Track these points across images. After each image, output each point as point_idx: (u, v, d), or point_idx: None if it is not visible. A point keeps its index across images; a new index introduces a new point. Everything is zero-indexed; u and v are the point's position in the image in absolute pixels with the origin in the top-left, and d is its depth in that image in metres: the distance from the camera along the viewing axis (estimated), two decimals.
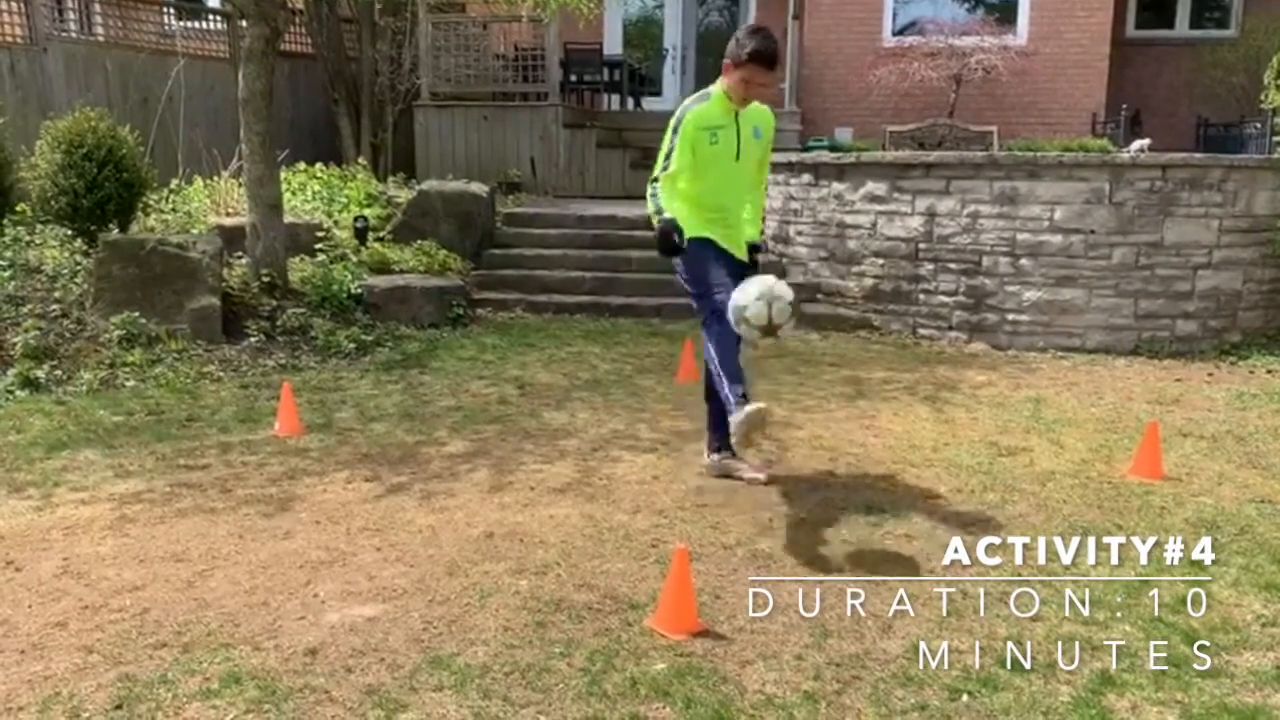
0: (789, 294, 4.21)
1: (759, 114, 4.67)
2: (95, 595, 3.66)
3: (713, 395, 4.81)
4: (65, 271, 7.93)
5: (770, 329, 4.20)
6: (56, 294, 7.62)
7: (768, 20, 15.04)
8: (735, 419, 4.26)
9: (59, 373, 6.66)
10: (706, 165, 4.56)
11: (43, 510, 4.49)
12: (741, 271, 4.60)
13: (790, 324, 4.34)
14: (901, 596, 3.66)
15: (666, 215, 4.49)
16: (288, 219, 8.75)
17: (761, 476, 4.86)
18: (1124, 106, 13.00)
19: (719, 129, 4.53)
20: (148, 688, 3.04)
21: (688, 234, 4.52)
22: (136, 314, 7.22)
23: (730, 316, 4.23)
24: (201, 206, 9.61)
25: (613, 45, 14.48)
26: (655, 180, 4.60)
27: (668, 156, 4.57)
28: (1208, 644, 3.31)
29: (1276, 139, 10.10)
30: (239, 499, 4.65)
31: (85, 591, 3.69)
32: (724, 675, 3.13)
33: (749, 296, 4.16)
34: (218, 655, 3.23)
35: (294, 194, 10.46)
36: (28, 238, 8.56)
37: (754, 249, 4.81)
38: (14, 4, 10.26)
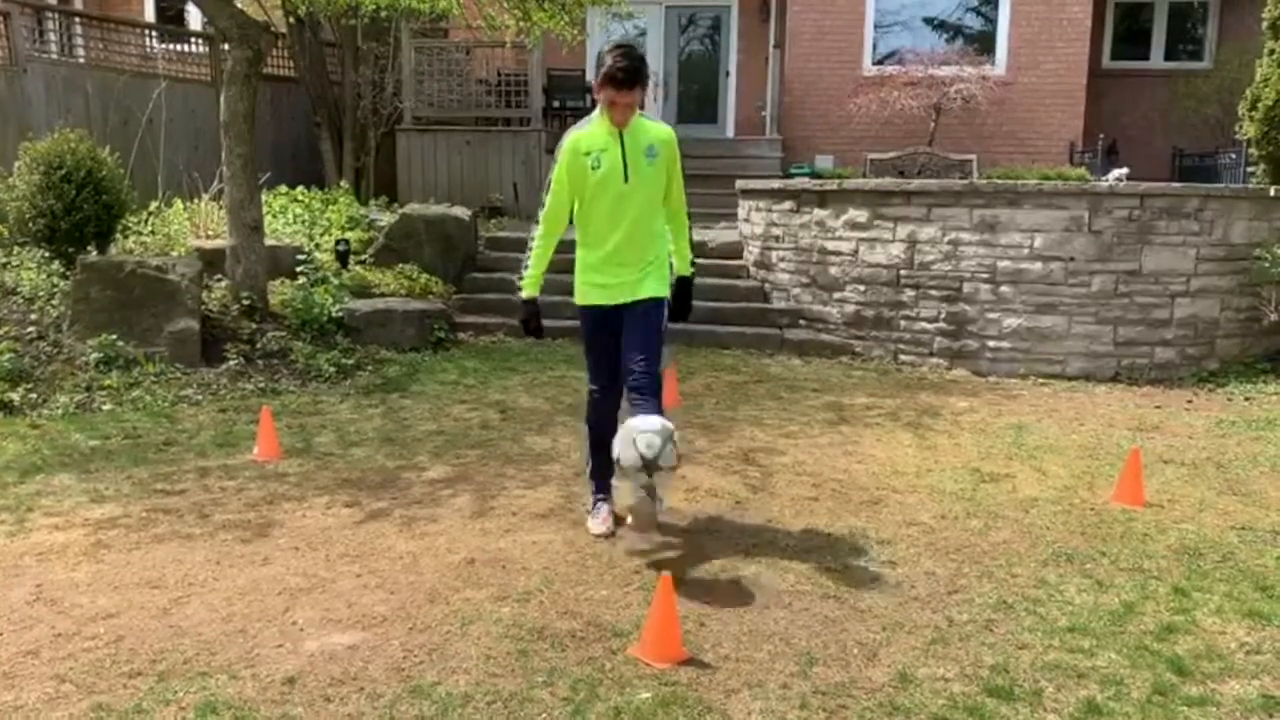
0: (653, 428, 3.94)
1: (652, 132, 4.26)
2: (68, 623, 3.59)
3: (597, 446, 4.52)
4: (42, 293, 7.85)
5: (650, 465, 3.92)
6: (33, 316, 7.54)
7: (749, 48, 15.22)
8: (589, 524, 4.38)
9: (34, 395, 6.58)
10: (594, 195, 4.22)
11: (16, 535, 4.41)
12: (646, 315, 4.29)
13: (670, 459, 3.96)
14: (887, 624, 3.66)
15: (523, 295, 4.43)
16: (268, 242, 8.72)
17: (601, 530, 4.50)
18: (1101, 136, 13.18)
19: (601, 152, 4.18)
20: (122, 718, 2.98)
21: (578, 296, 4.40)
22: (114, 337, 7.15)
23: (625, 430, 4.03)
24: (181, 229, 9.56)
25: (595, 72, 14.55)
26: (536, 222, 4.40)
27: (548, 190, 4.31)
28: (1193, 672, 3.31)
29: (1251, 169, 10.24)
30: (217, 524, 4.58)
31: (58, 619, 3.62)
32: (709, 705, 3.10)
33: (649, 427, 3.95)
34: (194, 684, 3.17)
35: (275, 217, 10.43)
36: (4, 259, 8.49)
37: (684, 283, 4.49)
38: None
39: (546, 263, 4.47)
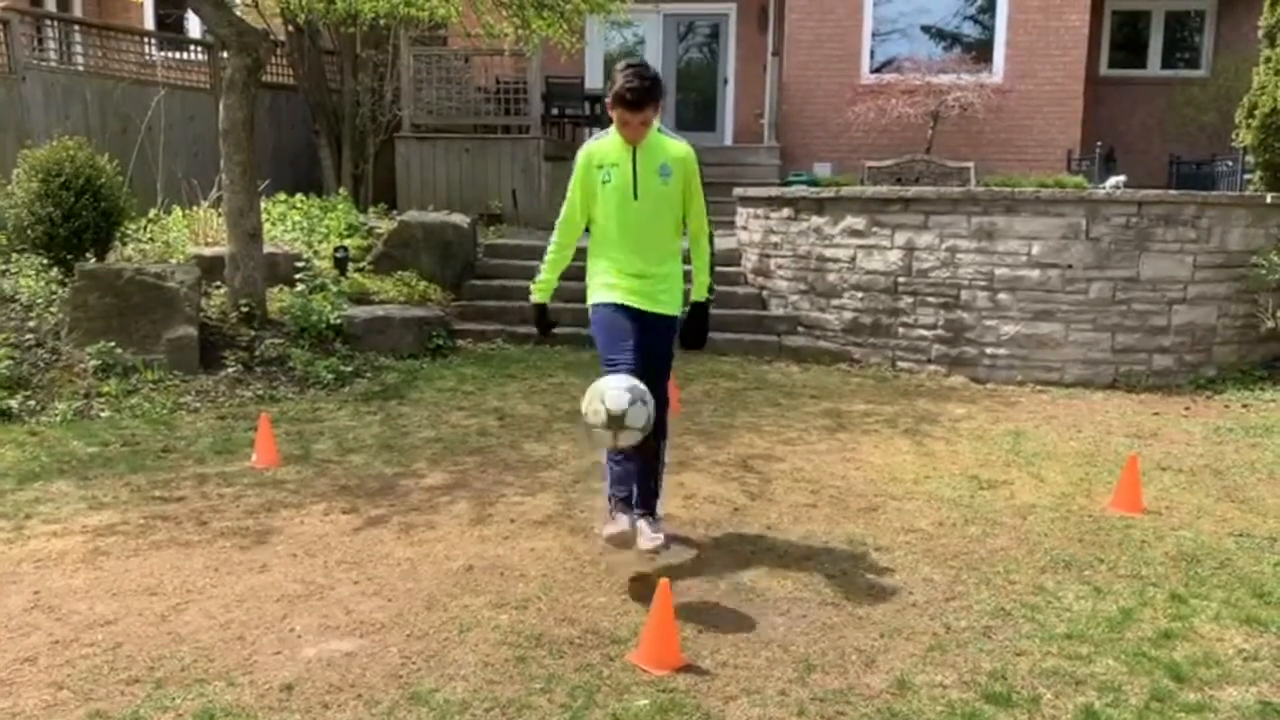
0: (616, 394, 3.78)
1: (668, 151, 4.16)
2: (66, 629, 3.59)
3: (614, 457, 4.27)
4: (40, 300, 7.86)
5: (613, 420, 3.78)
6: (31, 323, 7.54)
7: (748, 56, 15.24)
8: (605, 530, 4.09)
9: (32, 403, 6.58)
10: (604, 207, 4.19)
11: (13, 543, 4.41)
12: (663, 329, 4.24)
13: (639, 420, 3.80)
14: (885, 630, 3.66)
15: (534, 297, 4.40)
16: (267, 249, 8.73)
17: (615, 530, 4.12)
18: (1098, 143, 13.19)
19: (612, 166, 4.14)
20: None
21: (590, 298, 4.30)
22: (113, 344, 7.15)
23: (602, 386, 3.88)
24: (180, 236, 9.56)
25: (594, 79, 14.59)
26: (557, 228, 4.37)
27: (566, 199, 4.32)
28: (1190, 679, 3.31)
29: (1248, 176, 10.26)
30: (215, 531, 4.58)
31: (56, 626, 3.62)
32: (707, 711, 3.10)
33: (623, 390, 3.82)
34: (191, 691, 3.17)
35: (274, 224, 10.44)
36: (3, 266, 8.49)
37: (700, 308, 4.38)
38: None
39: (560, 270, 4.42)
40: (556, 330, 4.79)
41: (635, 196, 4.15)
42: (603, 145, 4.22)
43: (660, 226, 4.22)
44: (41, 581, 4.01)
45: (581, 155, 4.24)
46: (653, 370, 4.16)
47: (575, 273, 4.47)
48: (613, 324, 4.20)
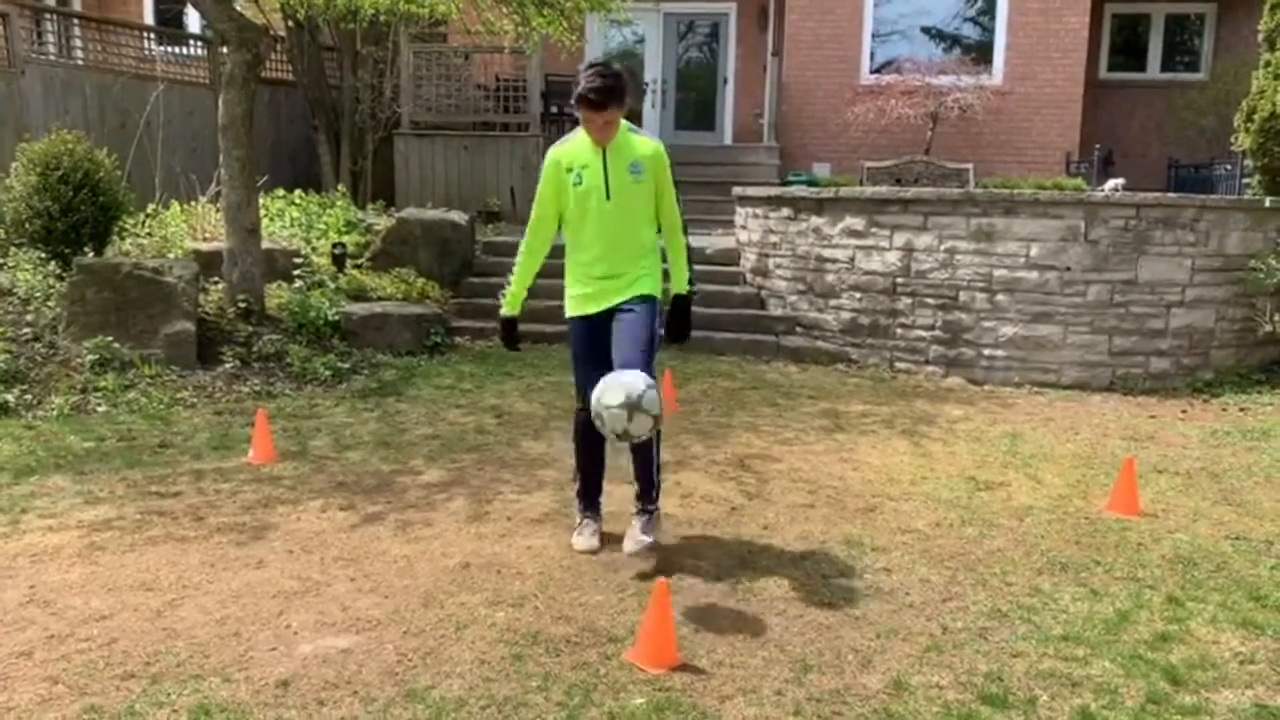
0: (655, 407, 3.77)
1: (638, 149, 4.14)
2: (62, 624, 3.58)
3: (584, 468, 4.52)
4: (38, 294, 7.84)
5: (625, 436, 3.83)
6: (28, 317, 7.53)
7: (747, 56, 15.24)
8: (574, 542, 4.40)
9: (29, 397, 6.56)
10: (578, 210, 4.17)
11: (9, 537, 4.40)
12: (634, 313, 4.18)
13: (650, 429, 3.84)
14: (881, 631, 3.66)
15: (504, 312, 4.43)
16: (266, 245, 8.72)
17: (585, 547, 4.37)
18: (1097, 146, 13.20)
19: (583, 168, 4.12)
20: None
21: (567, 308, 4.32)
22: (110, 338, 7.14)
23: (591, 403, 3.88)
24: (178, 231, 9.55)
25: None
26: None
27: (535, 203, 4.30)
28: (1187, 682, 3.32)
29: (1246, 180, 10.27)
30: (211, 527, 4.58)
31: (51, 620, 3.62)
32: (703, 710, 3.10)
33: (612, 400, 3.76)
34: (187, 687, 3.17)
35: (272, 220, 10.43)
36: (0, 260, 8.47)
37: (682, 301, 4.36)
38: None
39: (529, 280, 4.42)
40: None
41: (608, 197, 4.13)
42: (571, 147, 4.20)
43: (634, 225, 4.21)
44: (37, 576, 4.00)
45: (549, 158, 4.22)
46: (633, 348, 4.10)
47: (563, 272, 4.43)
48: (584, 347, 4.29)
